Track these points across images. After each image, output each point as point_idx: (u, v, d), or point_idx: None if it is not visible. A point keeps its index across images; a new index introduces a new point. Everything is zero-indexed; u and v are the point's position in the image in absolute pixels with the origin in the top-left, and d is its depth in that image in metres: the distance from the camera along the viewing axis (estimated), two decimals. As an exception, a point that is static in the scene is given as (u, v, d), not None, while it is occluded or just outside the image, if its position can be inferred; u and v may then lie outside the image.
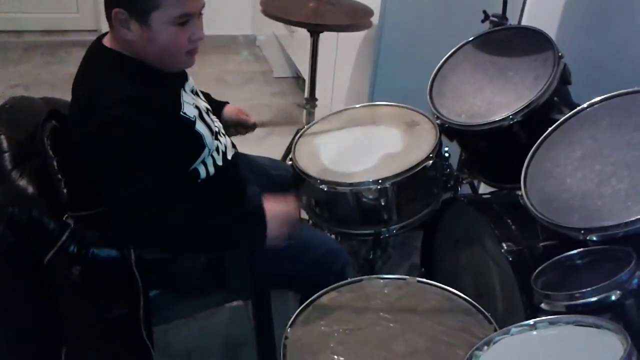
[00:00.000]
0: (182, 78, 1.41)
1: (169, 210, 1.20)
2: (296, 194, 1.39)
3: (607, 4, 1.77)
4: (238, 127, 1.69)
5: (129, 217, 1.18)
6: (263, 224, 1.26)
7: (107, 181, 1.20)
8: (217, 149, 1.41)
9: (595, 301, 0.97)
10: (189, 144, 1.32)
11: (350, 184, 1.49)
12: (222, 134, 1.49)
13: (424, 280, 1.30)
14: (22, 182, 1.20)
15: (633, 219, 1.05)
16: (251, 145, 1.75)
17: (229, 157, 1.47)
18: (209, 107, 1.47)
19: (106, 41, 1.29)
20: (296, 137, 1.73)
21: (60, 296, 1.23)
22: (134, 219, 1.18)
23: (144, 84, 1.26)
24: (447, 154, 1.61)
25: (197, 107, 1.38)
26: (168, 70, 1.32)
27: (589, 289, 0.97)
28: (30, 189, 1.19)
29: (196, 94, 1.45)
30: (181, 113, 1.31)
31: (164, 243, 1.23)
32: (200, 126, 1.35)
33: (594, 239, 1.09)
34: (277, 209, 1.30)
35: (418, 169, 1.49)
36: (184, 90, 1.38)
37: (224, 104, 1.69)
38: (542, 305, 1.03)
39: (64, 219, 1.18)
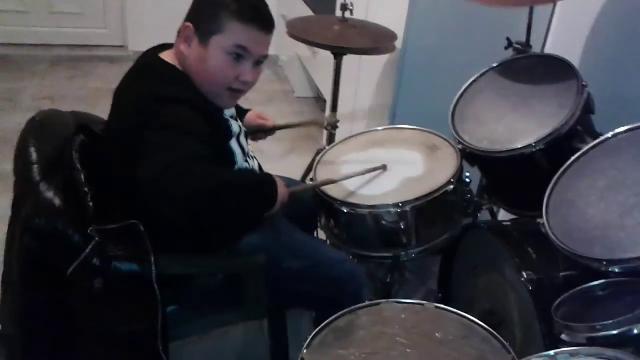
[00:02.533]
0: None
1: (211, 173, 1.19)
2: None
3: (631, 35, 1.78)
4: (259, 132, 1.73)
5: (172, 179, 1.13)
6: (276, 194, 1.32)
7: (152, 149, 1.17)
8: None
9: (617, 334, 0.95)
10: (222, 157, 1.35)
11: (370, 206, 1.49)
12: (251, 156, 1.52)
13: (442, 306, 1.29)
14: (49, 194, 1.22)
15: (656, 251, 1.05)
16: (271, 163, 1.77)
17: None
18: (246, 131, 1.52)
19: (164, 55, 1.35)
20: (317, 157, 1.74)
21: (80, 308, 1.24)
22: (177, 181, 1.13)
23: (198, 94, 1.32)
24: (467, 179, 1.60)
25: (239, 127, 1.44)
26: (211, 100, 1.36)
27: (610, 321, 0.96)
28: (57, 201, 1.21)
29: (235, 119, 1.49)
30: (227, 125, 1.37)
31: (202, 207, 1.19)
32: (234, 144, 1.39)
33: (616, 270, 1.09)
34: (280, 183, 1.37)
35: (438, 193, 1.49)
36: (224, 113, 1.42)
37: (247, 110, 1.74)
38: (562, 336, 1.02)
39: (88, 231, 1.20)
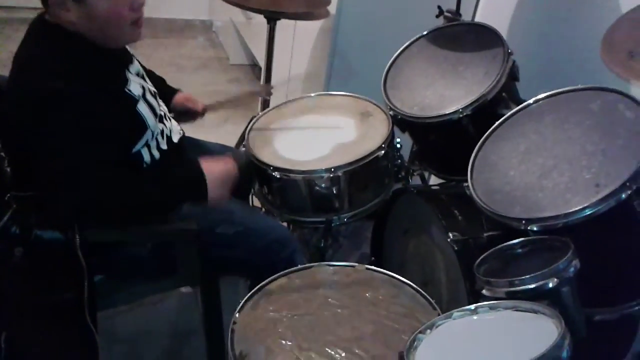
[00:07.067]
0: (127, 59, 1.39)
1: (112, 180, 1.20)
2: (233, 155, 1.42)
3: (557, 5, 1.84)
4: (187, 115, 1.68)
5: (71, 189, 1.15)
6: (204, 189, 1.29)
7: (46, 154, 1.16)
8: (162, 133, 1.40)
9: (534, 288, 1.00)
10: (131, 123, 1.31)
11: (303, 172, 1.50)
12: (168, 117, 1.48)
13: (373, 267, 1.32)
14: (-38, 160, 1.16)
15: (571, 210, 1.10)
16: (205, 132, 1.74)
17: (175, 141, 1.46)
18: (155, 90, 1.45)
19: (49, 17, 1.26)
20: (250, 124, 1.72)
21: (1, 278, 1.19)
22: (76, 191, 1.15)
23: (86, 58, 1.24)
24: (398, 145, 1.63)
25: (142, 87, 1.36)
26: (115, 46, 1.31)
27: (527, 276, 1.01)
28: (-29, 167, 1.15)
29: (142, 77, 1.43)
30: (126, 89, 1.30)
31: (105, 215, 1.21)
32: (142, 107, 1.33)
33: (535, 229, 1.14)
34: (216, 170, 1.33)
35: (370, 158, 1.51)
36: (129, 71, 1.35)
37: (175, 91, 1.68)
38: (484, 292, 1.06)
39: (6, 199, 1.14)
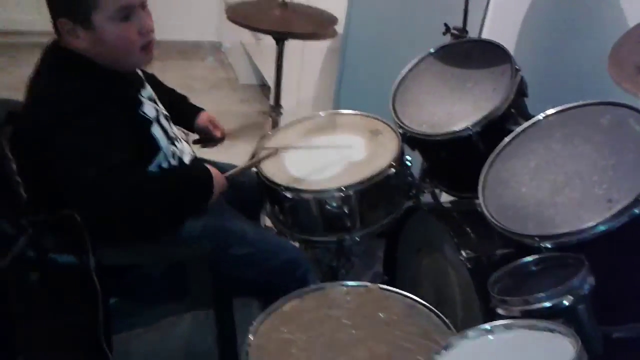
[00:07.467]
0: (139, 83, 1.41)
1: (138, 181, 1.24)
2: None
3: (563, 21, 1.85)
4: (205, 141, 1.70)
5: (100, 193, 1.17)
6: (211, 184, 1.37)
7: (71, 167, 1.19)
8: (174, 155, 1.42)
9: (549, 306, 1.00)
10: (144, 145, 1.33)
11: (314, 191, 1.50)
12: (180, 139, 1.50)
13: (386, 287, 1.31)
14: (-22, 186, 1.17)
15: (585, 227, 1.09)
16: (215, 152, 1.75)
17: (186, 162, 1.48)
18: (167, 114, 1.48)
19: (62, 42, 1.29)
20: (259, 144, 1.73)
21: (17, 302, 1.20)
22: (106, 195, 1.18)
23: (100, 82, 1.27)
24: (409, 163, 1.64)
25: (156, 110, 1.39)
26: (126, 70, 1.34)
27: (542, 294, 1.00)
28: (-13, 193, 1.17)
29: (154, 101, 1.45)
30: (140, 111, 1.32)
31: (136, 215, 1.24)
32: (156, 129, 1.36)
33: (548, 246, 1.13)
34: (214, 170, 1.41)
35: (381, 177, 1.51)
36: (141, 95, 1.38)
37: (199, 110, 1.69)
38: (498, 310, 1.06)
39: (22, 223, 1.16)
